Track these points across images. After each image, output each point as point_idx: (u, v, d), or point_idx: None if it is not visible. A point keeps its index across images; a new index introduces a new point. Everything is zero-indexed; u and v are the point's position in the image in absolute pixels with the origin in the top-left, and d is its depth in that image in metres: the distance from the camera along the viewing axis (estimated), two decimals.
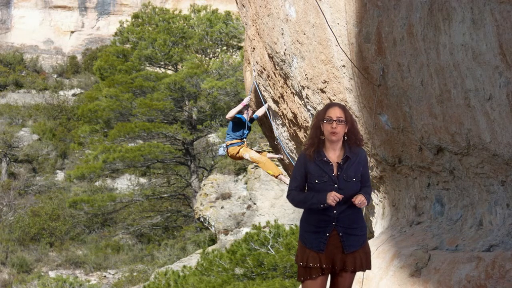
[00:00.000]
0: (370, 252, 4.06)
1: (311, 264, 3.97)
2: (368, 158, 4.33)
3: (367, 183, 4.01)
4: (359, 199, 3.85)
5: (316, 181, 3.94)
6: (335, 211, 3.92)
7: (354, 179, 3.93)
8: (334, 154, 3.98)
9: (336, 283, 4.03)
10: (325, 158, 3.96)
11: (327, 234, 3.94)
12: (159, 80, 30.32)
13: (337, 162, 3.95)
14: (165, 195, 31.37)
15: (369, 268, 4.03)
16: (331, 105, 4.04)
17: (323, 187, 3.93)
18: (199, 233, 29.14)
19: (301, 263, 4.02)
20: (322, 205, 3.88)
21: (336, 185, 3.91)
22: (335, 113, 3.93)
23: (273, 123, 8.30)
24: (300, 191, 4.01)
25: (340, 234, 3.93)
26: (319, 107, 5.53)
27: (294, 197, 4.01)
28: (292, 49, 5.67)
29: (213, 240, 27.19)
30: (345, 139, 3.98)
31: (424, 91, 3.88)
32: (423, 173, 4.55)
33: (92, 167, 28.45)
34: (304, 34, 5.27)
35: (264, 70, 7.25)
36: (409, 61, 3.92)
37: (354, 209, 3.94)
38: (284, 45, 5.85)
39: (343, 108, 3.99)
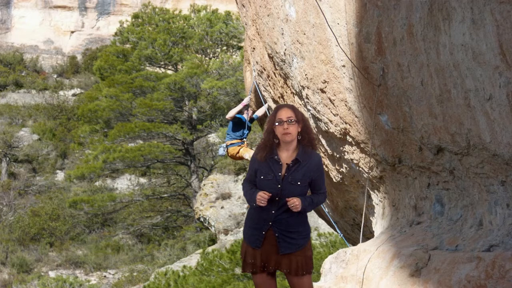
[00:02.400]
0: (311, 256, 4.04)
1: (247, 259, 4.04)
2: (369, 159, 4.31)
3: (319, 191, 3.99)
4: (292, 201, 3.83)
5: (262, 177, 3.96)
6: (273, 211, 3.92)
7: (299, 183, 3.91)
8: (286, 155, 3.98)
9: (292, 286, 4.02)
10: (276, 157, 3.97)
11: (263, 233, 3.96)
12: (159, 80, 30.33)
13: (287, 163, 3.95)
14: (165, 195, 31.37)
15: (308, 272, 4.01)
16: (280, 107, 4.05)
17: (266, 185, 3.94)
18: (199, 233, 29.14)
19: (241, 257, 4.10)
20: (253, 204, 3.90)
21: (279, 186, 3.91)
22: (285, 114, 3.94)
23: None
24: (251, 183, 4.05)
25: (276, 234, 3.95)
26: (319, 107, 5.53)
27: (243, 188, 4.07)
28: (292, 49, 5.67)
29: (213, 240, 27.19)
30: (299, 138, 3.97)
31: (424, 91, 3.88)
32: (423, 173, 4.55)
33: (92, 167, 28.45)
34: (304, 34, 5.27)
35: (264, 70, 7.25)
36: (409, 61, 3.92)
37: (294, 213, 3.91)
38: (284, 45, 5.85)
39: (293, 108, 4.00)
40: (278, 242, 3.94)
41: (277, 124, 3.94)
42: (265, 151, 3.99)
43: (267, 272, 4.04)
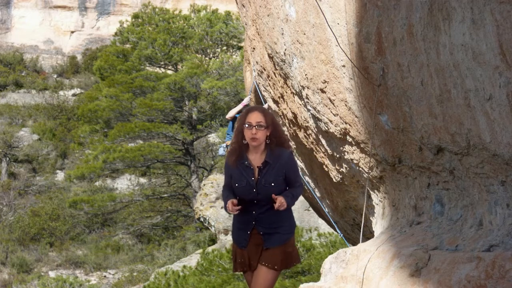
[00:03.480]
0: (292, 252, 4.11)
1: (237, 259, 4.15)
2: (369, 159, 4.31)
3: (295, 184, 4.03)
4: (279, 202, 3.86)
5: (236, 184, 4.01)
6: (254, 212, 3.99)
7: (272, 184, 3.94)
8: (256, 158, 4.01)
9: (256, 277, 4.09)
10: (246, 163, 4.00)
11: (248, 232, 4.05)
12: (159, 80, 30.33)
13: (258, 166, 3.98)
14: (165, 195, 31.36)
15: (286, 267, 4.11)
16: (251, 109, 4.07)
17: (242, 191, 3.99)
18: (199, 233, 29.13)
19: (231, 257, 4.24)
20: (229, 213, 3.97)
21: (254, 190, 3.95)
22: (255, 118, 3.96)
23: None
24: (228, 189, 4.10)
25: (261, 232, 4.03)
26: (319, 107, 5.53)
27: (222, 195, 4.13)
28: (292, 49, 5.67)
29: (213, 240, 27.18)
30: (268, 142, 3.99)
31: (424, 91, 3.88)
32: (423, 173, 4.55)
33: (92, 167, 28.44)
34: (304, 34, 5.27)
35: (264, 70, 7.25)
36: (409, 61, 3.92)
37: (276, 210, 3.95)
38: (284, 45, 5.85)
39: (263, 112, 4.02)
40: (263, 239, 4.02)
41: (246, 126, 3.96)
42: (235, 155, 4.02)
43: (253, 270, 4.12)
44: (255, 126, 3.93)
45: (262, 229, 4.01)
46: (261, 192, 3.95)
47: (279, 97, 7.13)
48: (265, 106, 8.31)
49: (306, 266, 16.00)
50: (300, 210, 25.28)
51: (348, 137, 5.31)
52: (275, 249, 4.03)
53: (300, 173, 8.06)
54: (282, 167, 3.97)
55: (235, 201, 3.93)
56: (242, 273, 4.28)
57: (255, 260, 4.08)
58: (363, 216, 5.32)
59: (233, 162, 4.02)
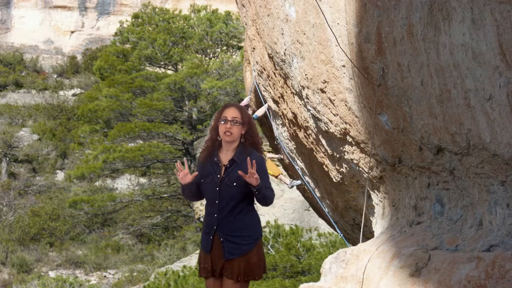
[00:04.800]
0: (257, 262, 3.91)
1: (202, 264, 3.99)
2: (369, 159, 4.30)
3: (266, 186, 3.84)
4: (250, 175, 3.69)
5: (202, 180, 3.92)
6: (215, 215, 3.85)
7: (235, 184, 3.82)
8: (225, 156, 3.91)
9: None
10: (215, 159, 3.91)
11: (211, 237, 3.90)
12: (159, 80, 30.34)
13: (225, 165, 3.89)
14: (165, 195, 31.35)
15: (254, 278, 3.91)
16: (227, 105, 3.99)
17: (206, 188, 3.91)
18: (199, 233, 29.10)
19: (197, 261, 4.08)
20: (181, 184, 3.90)
21: (217, 188, 3.84)
22: (231, 113, 3.88)
23: (273, 123, 8.31)
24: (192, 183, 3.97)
25: (221, 239, 3.87)
26: (319, 107, 5.53)
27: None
28: (292, 49, 5.67)
29: None
30: (242, 141, 3.91)
31: (424, 91, 3.88)
32: (423, 173, 4.55)
33: (92, 167, 28.45)
34: (304, 34, 5.27)
35: (264, 70, 7.25)
36: (409, 61, 3.92)
37: (238, 216, 3.85)
38: (284, 45, 5.85)
39: (240, 108, 3.95)
40: (223, 247, 3.87)
41: (221, 122, 3.88)
42: (206, 152, 3.94)
43: (216, 277, 3.95)
44: (230, 121, 3.84)
45: (223, 235, 3.85)
46: (222, 192, 3.83)
47: (279, 97, 7.13)
48: (265, 106, 8.31)
49: (306, 266, 16.01)
50: (300, 210, 25.28)
51: (348, 137, 5.31)
52: (236, 261, 3.85)
53: (300, 173, 8.07)
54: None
55: (180, 165, 3.84)
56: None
57: (218, 267, 3.91)
58: (363, 216, 5.32)
59: (204, 158, 3.93)
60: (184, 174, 3.89)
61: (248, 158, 3.74)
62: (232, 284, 3.87)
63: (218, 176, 3.87)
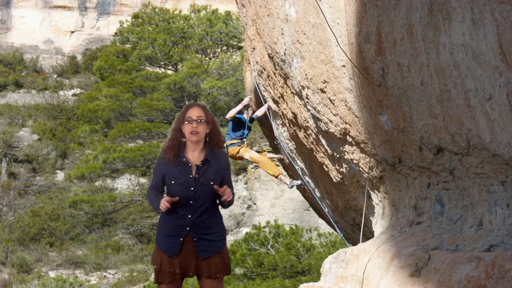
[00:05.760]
0: (228, 257, 4.00)
1: (165, 269, 3.89)
2: (369, 159, 4.31)
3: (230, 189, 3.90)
4: (227, 191, 3.76)
5: (173, 182, 3.87)
6: (189, 216, 3.83)
7: (211, 183, 3.84)
8: (194, 156, 3.90)
9: None
10: (184, 159, 3.88)
11: (181, 239, 3.86)
12: (159, 80, 30.35)
13: (196, 164, 3.88)
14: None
15: (227, 273, 3.95)
16: (190, 105, 3.99)
17: (179, 188, 3.84)
18: None
19: (155, 266, 3.95)
20: (159, 211, 3.80)
21: (192, 188, 3.83)
22: (195, 113, 3.88)
23: (273, 123, 8.31)
24: (156, 191, 3.94)
25: (195, 239, 3.85)
26: (319, 107, 5.53)
27: (148, 195, 3.96)
28: (292, 49, 5.67)
29: None
30: (207, 140, 3.92)
31: (424, 91, 3.88)
32: (423, 173, 4.55)
33: (92, 167, 28.46)
34: (304, 34, 5.27)
35: (264, 70, 7.25)
36: (409, 61, 3.92)
37: (211, 213, 3.88)
38: (284, 45, 5.85)
39: (204, 108, 3.96)
40: (197, 246, 3.85)
41: (186, 122, 3.87)
42: (172, 152, 3.89)
43: (177, 281, 3.93)
44: (195, 120, 3.85)
45: (197, 235, 3.84)
46: (198, 191, 3.83)
47: (279, 97, 7.13)
48: (265, 106, 8.31)
49: (306, 266, 16.02)
50: (300, 210, 25.29)
51: (348, 137, 5.31)
52: (212, 259, 3.88)
53: (300, 173, 8.07)
54: (221, 168, 3.90)
55: (169, 199, 3.76)
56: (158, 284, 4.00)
57: (189, 270, 3.90)
58: (363, 216, 5.32)
59: (169, 158, 3.87)
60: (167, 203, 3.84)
61: (215, 186, 3.79)
62: (212, 282, 3.90)
63: (191, 176, 3.86)
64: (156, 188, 3.95)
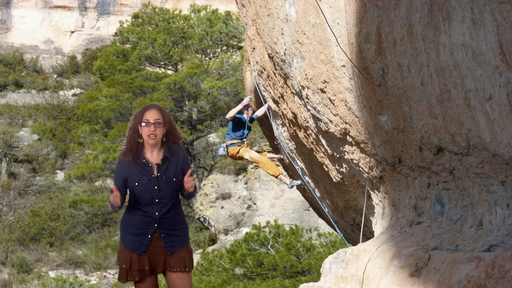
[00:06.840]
0: (192, 252, 4.17)
1: (134, 267, 3.96)
2: (369, 159, 4.31)
3: None
4: (190, 182, 3.88)
5: (136, 183, 3.93)
6: (157, 213, 3.92)
7: (174, 179, 3.96)
8: (153, 156, 3.98)
9: (173, 285, 4.03)
10: (144, 160, 3.95)
11: (149, 236, 3.94)
12: (159, 80, 30.34)
13: (156, 164, 3.95)
14: None
15: (191, 269, 4.10)
16: (148, 107, 4.03)
17: (143, 189, 3.92)
18: (199, 233, 29.14)
19: (124, 266, 4.00)
20: (116, 209, 3.89)
21: (156, 187, 3.92)
22: (153, 115, 3.93)
23: (273, 123, 8.31)
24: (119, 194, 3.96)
25: (162, 235, 3.95)
26: (319, 107, 5.53)
27: (109, 199, 4.01)
28: (292, 49, 5.67)
29: (213, 240, 27.19)
30: (164, 140, 3.98)
31: (424, 91, 3.88)
32: (423, 173, 4.55)
33: (92, 167, 28.46)
34: (304, 34, 5.27)
35: (264, 70, 7.25)
36: (409, 61, 3.92)
37: (176, 210, 3.99)
38: (284, 45, 5.85)
39: (160, 109, 4.01)
40: (164, 242, 3.96)
41: (143, 124, 3.93)
42: (131, 154, 3.95)
43: (152, 276, 4.03)
44: (153, 124, 3.90)
45: (164, 231, 3.95)
46: (163, 189, 3.91)
47: (279, 97, 7.13)
48: (265, 106, 8.31)
49: (306, 266, 16.02)
50: (300, 210, 25.28)
51: (348, 137, 5.31)
52: (179, 252, 4.02)
53: (300, 173, 8.07)
54: (180, 163, 4.00)
55: (114, 188, 3.83)
56: (123, 283, 4.09)
57: (158, 266, 4.00)
58: (363, 216, 5.32)
59: (129, 161, 3.94)
60: (116, 196, 3.90)
61: (189, 171, 3.93)
62: (182, 275, 4.04)
63: (153, 176, 3.93)
64: (119, 190, 3.99)
